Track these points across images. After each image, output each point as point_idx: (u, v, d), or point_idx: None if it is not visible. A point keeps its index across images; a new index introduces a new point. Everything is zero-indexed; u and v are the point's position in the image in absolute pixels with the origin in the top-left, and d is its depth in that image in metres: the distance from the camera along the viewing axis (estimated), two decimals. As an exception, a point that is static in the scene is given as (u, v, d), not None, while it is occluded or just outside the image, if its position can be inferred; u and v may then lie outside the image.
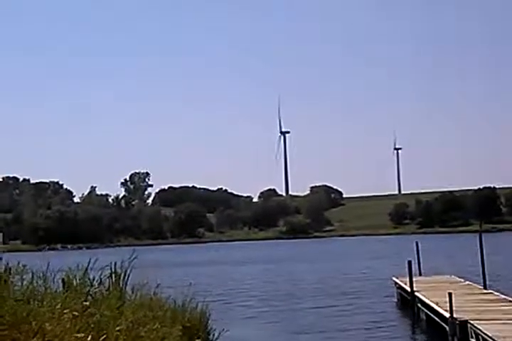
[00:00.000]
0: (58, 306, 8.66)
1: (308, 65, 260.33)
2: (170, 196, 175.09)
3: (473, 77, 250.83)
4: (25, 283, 9.12)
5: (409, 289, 22.73)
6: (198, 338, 13.13)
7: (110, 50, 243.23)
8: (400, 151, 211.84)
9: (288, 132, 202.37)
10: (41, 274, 9.75)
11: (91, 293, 10.17)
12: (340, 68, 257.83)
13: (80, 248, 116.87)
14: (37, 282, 9.27)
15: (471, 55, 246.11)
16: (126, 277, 11.80)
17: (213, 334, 14.54)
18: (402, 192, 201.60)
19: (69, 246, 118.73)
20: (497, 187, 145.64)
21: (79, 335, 8.15)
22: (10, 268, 9.67)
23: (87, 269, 10.40)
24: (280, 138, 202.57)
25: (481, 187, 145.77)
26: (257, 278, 41.69)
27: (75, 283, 10.09)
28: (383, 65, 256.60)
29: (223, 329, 14.66)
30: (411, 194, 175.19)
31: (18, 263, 9.80)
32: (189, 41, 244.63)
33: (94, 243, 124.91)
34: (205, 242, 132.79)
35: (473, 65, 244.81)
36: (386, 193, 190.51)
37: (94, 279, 10.55)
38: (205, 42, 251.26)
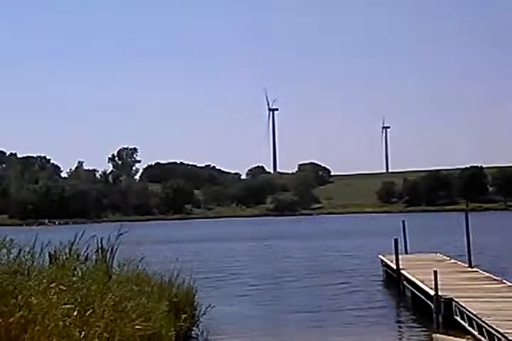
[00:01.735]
0: (45, 280, 8.67)
1: (298, 42, 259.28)
2: (157, 172, 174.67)
3: (460, 55, 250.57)
4: (11, 257, 9.10)
5: (395, 267, 22.86)
6: (185, 313, 13.19)
7: (103, 24, 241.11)
8: (388, 130, 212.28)
9: (277, 109, 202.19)
10: (28, 249, 9.74)
11: (78, 268, 10.16)
12: (329, 45, 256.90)
13: (67, 223, 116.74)
14: (24, 256, 9.26)
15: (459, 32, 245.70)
16: (113, 252, 11.80)
17: (200, 310, 14.59)
18: (390, 170, 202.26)
19: (56, 222, 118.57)
20: (484, 166, 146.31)
21: (65, 307, 8.17)
22: (-4, 242, 9.64)
23: (73, 244, 10.38)
24: (269, 115, 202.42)
25: (468, 166, 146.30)
26: (246, 255, 41.82)
27: (62, 258, 10.08)
28: (373, 43, 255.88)
29: (209, 305, 14.72)
30: (398, 172, 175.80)
31: (5, 237, 9.77)
32: (185, 20, 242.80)
33: (81, 218, 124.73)
34: (193, 218, 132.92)
35: (463, 42, 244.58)
36: (374, 172, 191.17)
37: (81, 254, 10.54)
38: (199, 19, 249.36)
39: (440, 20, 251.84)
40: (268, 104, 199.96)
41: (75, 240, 10.47)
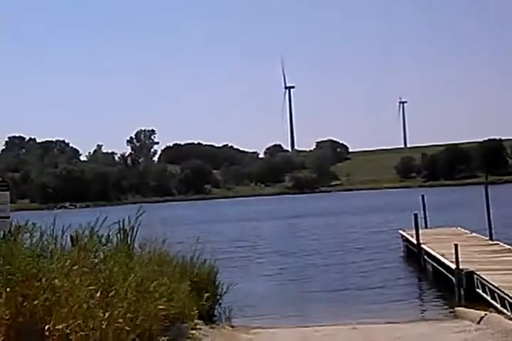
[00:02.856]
0: (68, 263, 8.75)
1: (314, 19, 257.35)
2: (176, 153, 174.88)
3: (480, 31, 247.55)
4: (34, 240, 9.20)
5: (415, 241, 22.87)
6: (207, 292, 13.28)
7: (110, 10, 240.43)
8: (405, 105, 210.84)
9: (293, 87, 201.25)
10: (50, 232, 9.83)
11: (100, 249, 10.25)
12: (345, 23, 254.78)
13: (88, 206, 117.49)
14: (46, 240, 9.35)
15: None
16: (134, 233, 11.88)
17: (222, 289, 14.69)
18: (408, 145, 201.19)
19: (77, 205, 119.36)
20: (503, 138, 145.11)
21: (89, 289, 8.26)
22: (19, 226, 9.75)
23: (94, 227, 10.47)
24: (285, 93, 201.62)
25: (487, 139, 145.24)
26: (269, 233, 41.86)
27: (83, 240, 10.17)
28: (387, 19, 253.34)
29: (231, 284, 14.82)
30: (417, 147, 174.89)
31: (27, 221, 9.87)
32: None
33: (101, 201, 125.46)
34: (212, 198, 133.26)
35: (482, 15, 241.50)
36: (392, 147, 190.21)
37: (102, 236, 10.62)
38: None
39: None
40: (285, 82, 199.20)
41: (96, 223, 10.55)
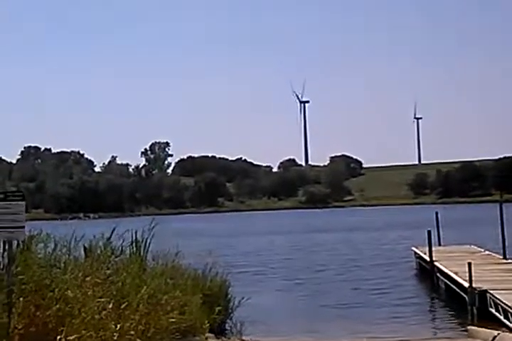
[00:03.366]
0: (81, 274, 8.79)
1: (330, 34, 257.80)
2: (189, 166, 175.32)
3: (496, 48, 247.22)
4: (48, 250, 9.25)
5: (428, 259, 22.76)
6: (219, 306, 13.26)
7: (127, 16, 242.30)
8: (420, 121, 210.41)
9: (308, 102, 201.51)
10: (64, 242, 9.88)
11: (113, 261, 10.28)
12: (361, 38, 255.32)
13: (102, 217, 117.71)
14: (60, 250, 9.39)
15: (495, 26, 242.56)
16: (147, 245, 11.91)
17: (233, 303, 14.65)
18: (422, 162, 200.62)
19: (91, 216, 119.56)
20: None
21: (101, 300, 8.29)
22: (33, 236, 9.81)
23: (109, 238, 10.51)
24: (300, 107, 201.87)
25: (502, 156, 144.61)
26: (283, 248, 41.66)
27: (97, 251, 10.21)
28: (405, 36, 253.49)
29: (243, 298, 14.78)
30: (431, 164, 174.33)
31: (41, 231, 9.92)
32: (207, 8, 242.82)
33: (115, 212, 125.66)
34: (225, 211, 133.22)
35: (496, 33, 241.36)
36: (406, 163, 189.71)
37: (116, 248, 10.66)
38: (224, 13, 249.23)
39: (458, 19, 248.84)
40: (299, 97, 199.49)
41: (112, 235, 10.60)
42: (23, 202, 8.33)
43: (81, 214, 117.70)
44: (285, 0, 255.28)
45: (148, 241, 11.85)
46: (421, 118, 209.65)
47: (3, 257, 8.76)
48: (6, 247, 8.45)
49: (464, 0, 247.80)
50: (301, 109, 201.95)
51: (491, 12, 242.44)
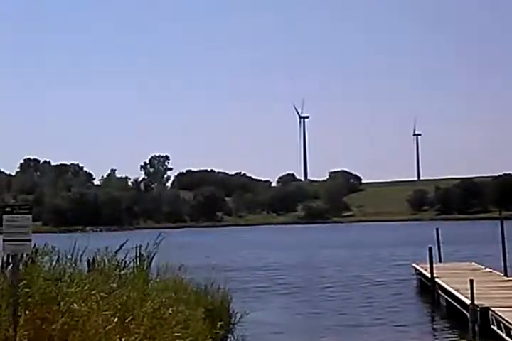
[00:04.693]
0: (86, 287, 8.79)
1: (330, 50, 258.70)
2: (189, 179, 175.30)
3: (495, 65, 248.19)
4: (53, 264, 9.25)
5: (429, 275, 22.73)
6: (221, 321, 13.25)
7: (127, 28, 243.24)
8: (419, 137, 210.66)
9: (307, 117, 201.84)
10: (68, 255, 9.88)
11: (117, 275, 10.29)
12: (360, 53, 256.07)
13: (100, 230, 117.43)
14: (65, 263, 9.40)
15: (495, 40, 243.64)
16: (151, 260, 11.92)
17: (235, 318, 14.64)
18: (422, 178, 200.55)
19: (88, 229, 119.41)
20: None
21: (106, 314, 8.28)
22: (37, 249, 9.81)
23: (117, 252, 10.52)
24: (300, 122, 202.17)
25: (501, 173, 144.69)
26: (284, 264, 41.52)
27: (101, 265, 10.22)
28: (404, 50, 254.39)
29: (245, 312, 14.76)
30: (430, 180, 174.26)
31: (45, 244, 9.93)
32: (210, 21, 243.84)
33: (113, 225, 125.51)
34: (224, 226, 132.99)
35: (496, 50, 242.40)
36: (405, 179, 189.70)
37: (120, 261, 10.66)
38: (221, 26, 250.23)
39: (464, 26, 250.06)
40: (298, 112, 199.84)
41: (119, 249, 10.61)
42: (30, 216, 8.34)
43: (79, 227, 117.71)
44: (285, 17, 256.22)
45: (153, 255, 11.86)
46: (420, 134, 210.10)
47: (7, 270, 8.77)
48: (12, 260, 8.45)
49: (466, 16, 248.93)
50: (300, 124, 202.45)
51: (492, 32, 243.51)
